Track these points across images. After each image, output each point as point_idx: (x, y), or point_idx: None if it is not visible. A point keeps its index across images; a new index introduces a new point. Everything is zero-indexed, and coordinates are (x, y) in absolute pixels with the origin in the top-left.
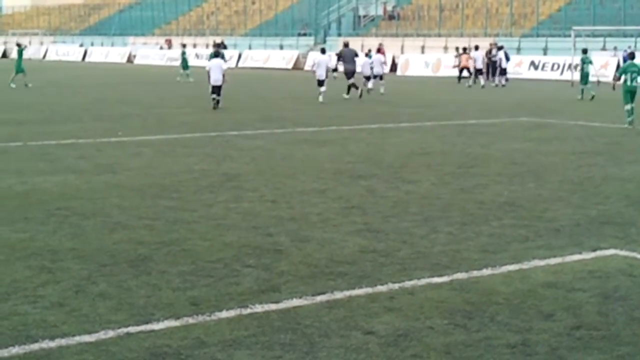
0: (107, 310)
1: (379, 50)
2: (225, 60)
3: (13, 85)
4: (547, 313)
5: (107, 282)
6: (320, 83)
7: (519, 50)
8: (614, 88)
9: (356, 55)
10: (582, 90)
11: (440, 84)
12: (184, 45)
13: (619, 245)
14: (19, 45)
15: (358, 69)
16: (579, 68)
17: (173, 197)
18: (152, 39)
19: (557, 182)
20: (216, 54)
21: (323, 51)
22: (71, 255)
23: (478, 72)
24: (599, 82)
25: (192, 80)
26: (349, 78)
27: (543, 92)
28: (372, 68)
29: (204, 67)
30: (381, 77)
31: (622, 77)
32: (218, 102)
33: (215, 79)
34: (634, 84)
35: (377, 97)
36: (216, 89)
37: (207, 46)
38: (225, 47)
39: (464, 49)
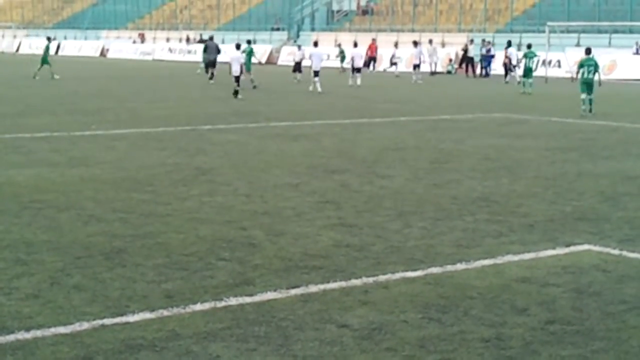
0: (82, 302)
1: (355, 45)
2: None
3: (57, 77)
4: (521, 308)
5: (81, 274)
6: (315, 74)
7: (492, 46)
8: (572, 81)
9: (219, 50)
10: (523, 84)
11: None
12: (48, 39)
13: (593, 240)
14: (48, 38)
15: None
16: (522, 62)
17: (147, 190)
18: (126, 32)
19: (531, 178)
20: (237, 47)
21: (316, 44)
22: (46, 248)
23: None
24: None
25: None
26: (208, 67)
27: (516, 88)
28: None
29: (175, 61)
30: (359, 70)
31: (580, 71)
32: (237, 92)
33: (235, 69)
34: (590, 76)
35: (350, 91)
36: (236, 79)
37: (180, 40)
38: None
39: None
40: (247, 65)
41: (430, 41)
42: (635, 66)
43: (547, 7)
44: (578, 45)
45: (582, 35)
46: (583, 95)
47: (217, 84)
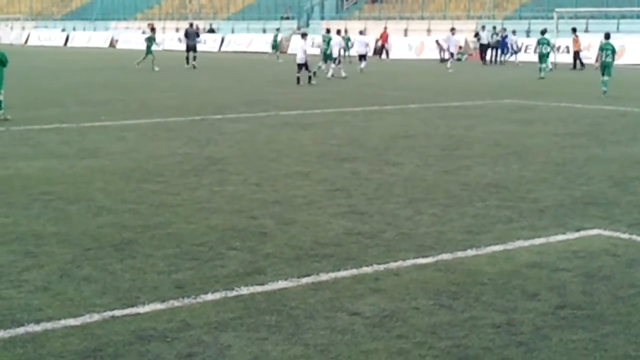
0: (92, 294)
1: (360, 33)
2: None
3: (157, 69)
4: (532, 293)
5: (91, 265)
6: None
7: (505, 32)
8: (596, 68)
9: (197, 34)
10: (540, 69)
11: (424, 67)
12: (152, 30)
13: (603, 225)
14: (152, 29)
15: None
16: (537, 49)
17: (157, 180)
18: (135, 23)
19: (541, 164)
20: (303, 35)
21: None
22: (55, 240)
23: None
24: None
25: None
26: (189, 51)
27: (526, 74)
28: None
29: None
30: (364, 57)
31: (599, 54)
32: (310, 78)
33: (300, 57)
34: (608, 59)
35: (361, 79)
36: (300, 66)
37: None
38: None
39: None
40: (325, 53)
41: (453, 30)
42: None
43: None
44: (587, 31)
45: (590, 21)
46: (603, 78)
47: (199, 69)
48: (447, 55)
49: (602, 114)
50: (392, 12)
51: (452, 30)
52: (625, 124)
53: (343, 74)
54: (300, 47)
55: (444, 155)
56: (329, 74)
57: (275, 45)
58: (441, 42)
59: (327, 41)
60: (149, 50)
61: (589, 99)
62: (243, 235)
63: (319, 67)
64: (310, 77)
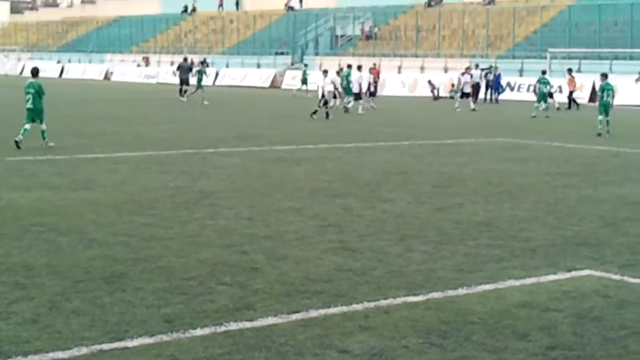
0: (81, 327)
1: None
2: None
3: (206, 102)
4: (523, 333)
5: (81, 298)
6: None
7: (496, 69)
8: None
9: (190, 69)
10: (537, 108)
11: (417, 104)
12: (202, 63)
13: (594, 265)
14: (202, 63)
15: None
16: (536, 88)
17: (149, 213)
18: (130, 56)
19: (533, 203)
20: (324, 72)
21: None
22: (46, 271)
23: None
24: (576, 103)
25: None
26: (182, 84)
27: (519, 112)
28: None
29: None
30: (360, 96)
31: (599, 94)
32: (327, 113)
33: (320, 93)
34: (608, 99)
35: (354, 115)
36: (320, 101)
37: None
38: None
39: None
40: (347, 89)
41: (468, 69)
42: (636, 92)
43: (549, 34)
44: (579, 71)
45: (583, 61)
46: (600, 117)
47: (189, 102)
48: (457, 95)
49: (594, 154)
50: (386, 49)
51: (468, 69)
52: (617, 164)
53: (364, 108)
54: (323, 83)
55: (436, 193)
56: (360, 110)
57: (305, 80)
58: (434, 82)
59: (346, 76)
60: (199, 84)
61: (581, 139)
62: (233, 270)
63: (334, 104)
64: (327, 113)
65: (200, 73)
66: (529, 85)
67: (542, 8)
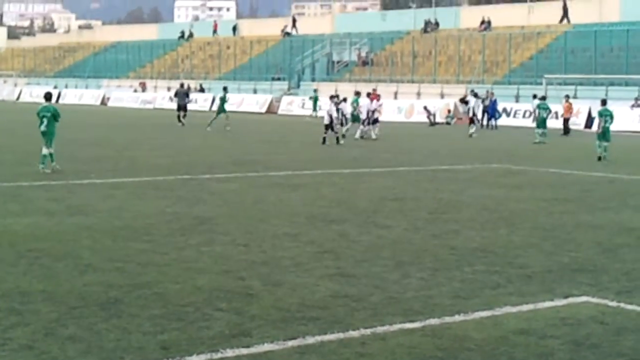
0: (77, 354)
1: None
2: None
3: (228, 128)
4: None
5: (77, 324)
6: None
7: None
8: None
9: (187, 94)
10: (537, 134)
11: (413, 130)
12: (224, 89)
13: (591, 292)
14: (224, 88)
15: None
16: (535, 113)
17: (144, 239)
18: (127, 81)
19: (529, 229)
20: (331, 98)
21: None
22: (41, 297)
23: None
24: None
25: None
26: (179, 110)
27: (515, 139)
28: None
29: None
30: (363, 122)
31: (598, 119)
32: (338, 139)
33: (327, 118)
34: (607, 125)
35: (349, 141)
36: (327, 127)
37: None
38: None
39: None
40: (355, 116)
41: (475, 94)
42: (632, 119)
43: (544, 60)
44: (575, 97)
45: (579, 87)
46: (598, 142)
47: (188, 127)
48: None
49: (591, 180)
50: (383, 75)
51: (475, 94)
52: (614, 190)
53: (373, 136)
54: (329, 109)
55: (432, 219)
56: (357, 135)
57: (315, 106)
58: (429, 108)
59: (355, 102)
60: (222, 110)
61: (578, 165)
62: (230, 296)
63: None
64: (338, 138)
65: (222, 100)
66: (525, 111)
67: (537, 34)
